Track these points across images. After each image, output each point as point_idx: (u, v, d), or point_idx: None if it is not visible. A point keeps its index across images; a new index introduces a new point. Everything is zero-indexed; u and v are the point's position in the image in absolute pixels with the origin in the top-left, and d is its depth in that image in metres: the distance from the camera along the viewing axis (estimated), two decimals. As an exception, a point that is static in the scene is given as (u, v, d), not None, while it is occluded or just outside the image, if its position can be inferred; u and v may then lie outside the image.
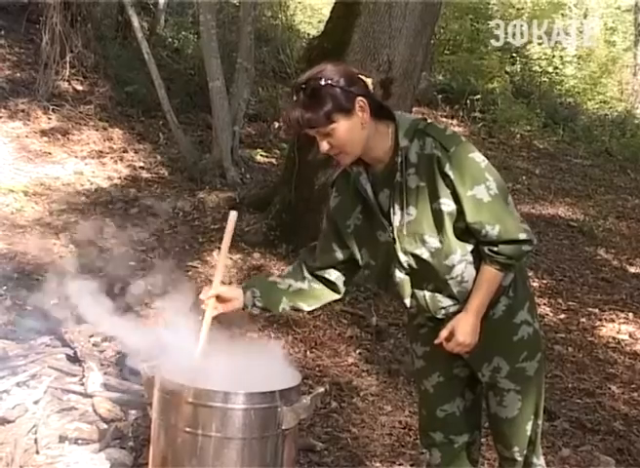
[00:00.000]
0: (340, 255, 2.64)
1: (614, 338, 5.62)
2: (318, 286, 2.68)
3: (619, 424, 4.34)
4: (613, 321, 5.95)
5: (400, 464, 3.76)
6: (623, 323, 5.93)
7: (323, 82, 2.31)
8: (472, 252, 2.45)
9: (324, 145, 2.39)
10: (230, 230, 2.65)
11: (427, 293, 2.51)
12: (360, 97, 2.34)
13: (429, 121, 2.47)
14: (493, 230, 2.37)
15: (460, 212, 2.38)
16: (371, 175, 2.49)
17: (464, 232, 2.41)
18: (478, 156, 2.40)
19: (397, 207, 2.43)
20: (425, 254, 2.43)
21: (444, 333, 2.50)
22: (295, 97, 2.35)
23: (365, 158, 2.46)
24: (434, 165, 2.36)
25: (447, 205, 2.38)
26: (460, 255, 2.43)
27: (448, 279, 2.46)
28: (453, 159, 2.35)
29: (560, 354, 5.22)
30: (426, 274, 2.48)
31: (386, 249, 2.49)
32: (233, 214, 2.67)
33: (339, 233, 2.61)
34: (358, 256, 2.59)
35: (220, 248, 2.75)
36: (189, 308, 2.82)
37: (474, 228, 2.39)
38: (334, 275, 2.68)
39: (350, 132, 2.35)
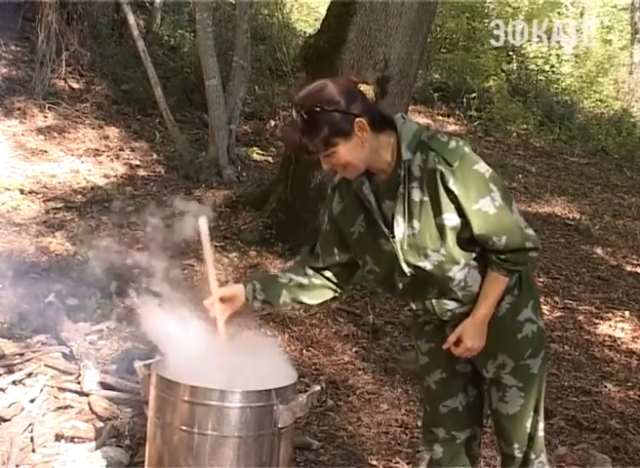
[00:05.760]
0: (341, 258, 2.65)
1: (610, 336, 5.63)
2: (319, 281, 2.69)
3: (615, 422, 4.35)
4: (609, 319, 5.96)
5: (396, 462, 3.76)
6: (620, 321, 5.94)
7: (319, 108, 2.28)
8: (476, 257, 2.46)
9: (325, 166, 2.41)
10: (205, 235, 2.64)
11: (433, 299, 2.54)
12: (359, 119, 2.32)
13: (432, 132, 2.44)
14: (500, 241, 2.39)
15: (465, 224, 2.38)
16: (373, 184, 2.48)
17: (468, 242, 2.42)
18: (482, 166, 2.38)
19: (400, 219, 2.42)
20: (429, 267, 2.44)
21: (452, 339, 2.53)
22: (294, 116, 2.33)
23: (368, 168, 2.45)
24: (438, 180, 2.34)
25: (451, 219, 2.38)
26: (464, 264, 2.44)
27: (452, 286, 2.48)
28: (457, 174, 2.33)
29: (556, 352, 5.22)
30: (430, 282, 2.49)
31: (390, 257, 2.49)
32: (203, 222, 2.65)
33: (342, 237, 2.61)
34: (360, 263, 2.60)
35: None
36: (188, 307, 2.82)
37: (481, 239, 2.41)
38: (334, 274, 2.69)
39: (351, 152, 2.35)
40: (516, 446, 2.68)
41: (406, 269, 2.47)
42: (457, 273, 2.44)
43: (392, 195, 2.43)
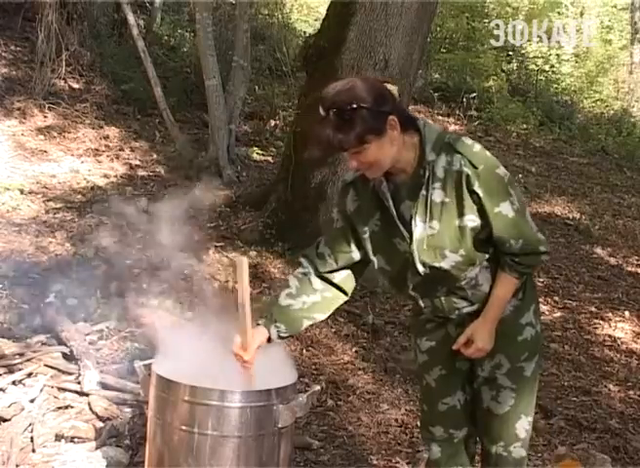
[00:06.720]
0: (356, 256, 2.63)
1: (610, 336, 5.63)
2: (329, 294, 2.65)
3: (614, 422, 4.35)
4: (609, 319, 5.96)
5: (396, 462, 3.76)
6: (620, 321, 5.94)
7: (354, 105, 2.28)
8: (488, 257, 2.49)
9: (353, 163, 2.39)
10: (244, 277, 2.51)
11: (443, 297, 2.56)
12: (391, 117, 2.34)
13: (455, 135, 2.46)
14: (516, 244, 2.44)
15: (484, 226, 2.42)
16: (392, 184, 2.48)
17: (483, 243, 2.45)
18: (502, 170, 2.43)
19: (419, 219, 2.43)
20: (445, 267, 2.46)
21: (462, 340, 2.56)
22: (323, 114, 2.32)
23: (389, 168, 2.45)
24: (463, 182, 2.37)
25: (472, 221, 2.41)
26: (478, 264, 2.47)
27: (464, 284, 2.50)
28: (481, 177, 2.37)
29: (556, 352, 5.23)
30: (442, 281, 2.51)
31: (404, 257, 2.49)
32: (244, 261, 2.53)
33: (356, 234, 2.60)
34: (372, 260, 2.59)
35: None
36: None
37: (498, 241, 2.45)
38: (343, 277, 2.66)
39: (381, 150, 2.35)
40: (502, 443, 2.70)
41: (421, 269, 2.48)
42: (471, 272, 2.48)
43: (413, 195, 2.44)
